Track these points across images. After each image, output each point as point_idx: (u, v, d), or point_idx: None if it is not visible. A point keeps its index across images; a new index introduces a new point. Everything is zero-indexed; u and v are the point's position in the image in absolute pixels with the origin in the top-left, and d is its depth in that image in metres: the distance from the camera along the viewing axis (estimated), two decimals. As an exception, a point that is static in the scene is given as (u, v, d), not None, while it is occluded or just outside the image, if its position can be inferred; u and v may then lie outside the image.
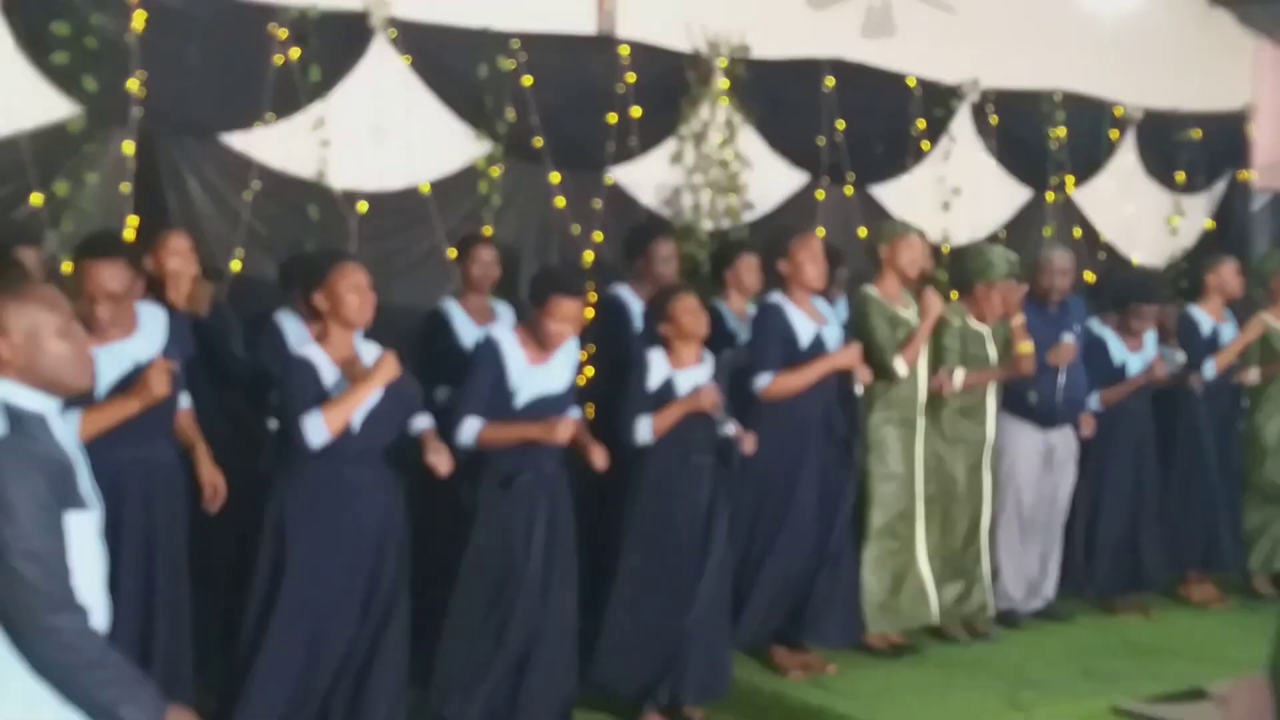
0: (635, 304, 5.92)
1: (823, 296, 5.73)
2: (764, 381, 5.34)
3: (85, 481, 2.60)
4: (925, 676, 5.58)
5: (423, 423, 4.54)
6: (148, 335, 4.18)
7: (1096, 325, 6.88)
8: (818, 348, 5.45)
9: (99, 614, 2.61)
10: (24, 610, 2.39)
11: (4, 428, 2.46)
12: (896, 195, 8.22)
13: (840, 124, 7.90)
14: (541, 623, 4.61)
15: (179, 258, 5.08)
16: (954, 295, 7.69)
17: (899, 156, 8.25)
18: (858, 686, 5.37)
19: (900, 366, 5.67)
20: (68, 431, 2.66)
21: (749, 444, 5.04)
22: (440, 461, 4.33)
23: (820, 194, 7.91)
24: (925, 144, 8.33)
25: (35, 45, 5.60)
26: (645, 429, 4.93)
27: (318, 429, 4.11)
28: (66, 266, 5.49)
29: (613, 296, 6.08)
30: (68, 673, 2.44)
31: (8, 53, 5.56)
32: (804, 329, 5.45)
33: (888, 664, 5.71)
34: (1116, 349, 6.73)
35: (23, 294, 2.61)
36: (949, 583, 6.04)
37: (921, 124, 8.28)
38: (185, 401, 4.54)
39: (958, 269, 8.20)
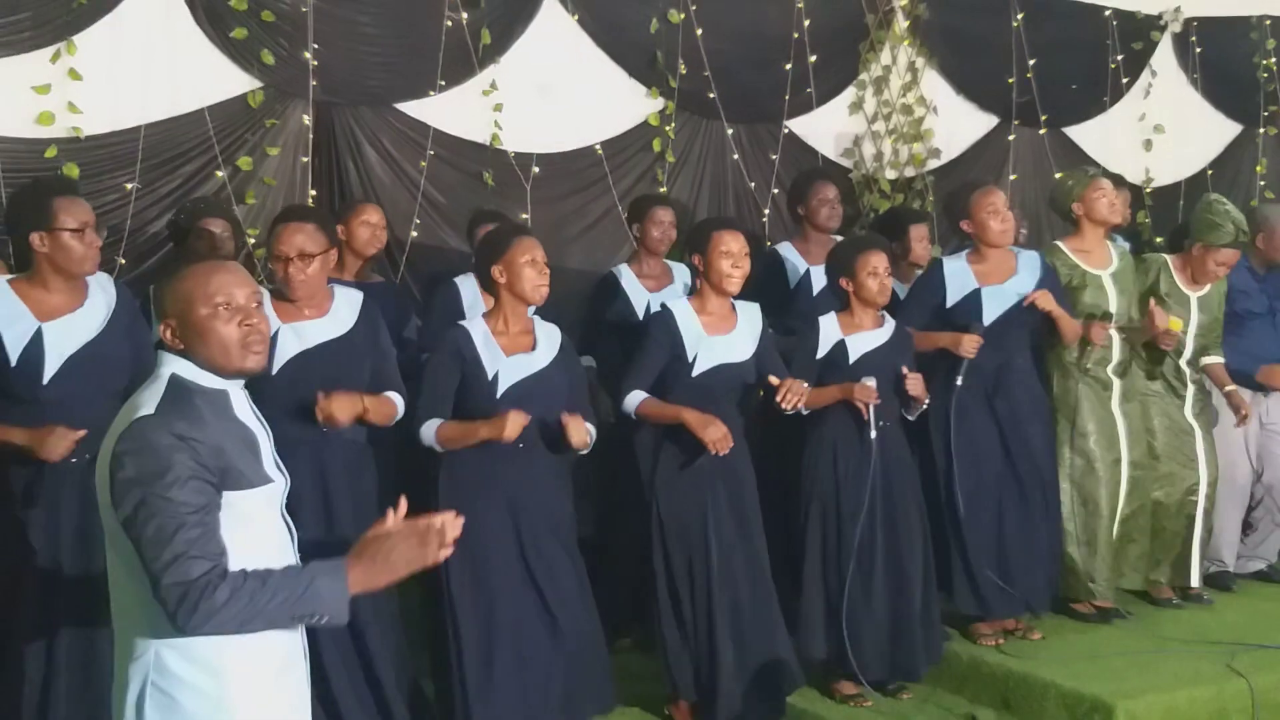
0: (796, 261, 5.72)
1: None
2: None
3: (263, 458, 2.58)
4: (1135, 642, 5.27)
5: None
6: (338, 316, 4.17)
7: None
8: (970, 305, 5.16)
9: None
10: (158, 592, 2.35)
11: (153, 405, 2.45)
12: (1094, 135, 7.84)
13: (1031, 62, 7.54)
14: (740, 599, 4.52)
15: (368, 228, 5.14)
16: (1158, 240, 7.32)
17: (1096, 94, 7.86)
18: (1062, 652, 5.11)
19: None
20: (251, 408, 2.64)
21: (916, 390, 4.81)
22: (575, 431, 4.14)
23: (1011, 137, 7.57)
24: (1124, 79, 7.88)
25: (215, 21, 5.73)
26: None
27: (429, 439, 4.14)
28: (253, 232, 5.62)
29: (772, 253, 5.91)
30: (222, 629, 2.38)
31: (188, 29, 5.69)
32: (958, 286, 5.17)
33: (1094, 629, 5.42)
34: None
35: (182, 275, 2.59)
36: (1158, 547, 5.72)
37: (1120, 58, 7.84)
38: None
39: (1162, 213, 7.83)
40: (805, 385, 4.54)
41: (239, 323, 2.57)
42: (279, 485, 2.61)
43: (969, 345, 5.05)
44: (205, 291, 2.55)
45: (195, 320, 2.54)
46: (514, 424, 4.03)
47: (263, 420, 2.67)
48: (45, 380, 3.73)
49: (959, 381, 5.09)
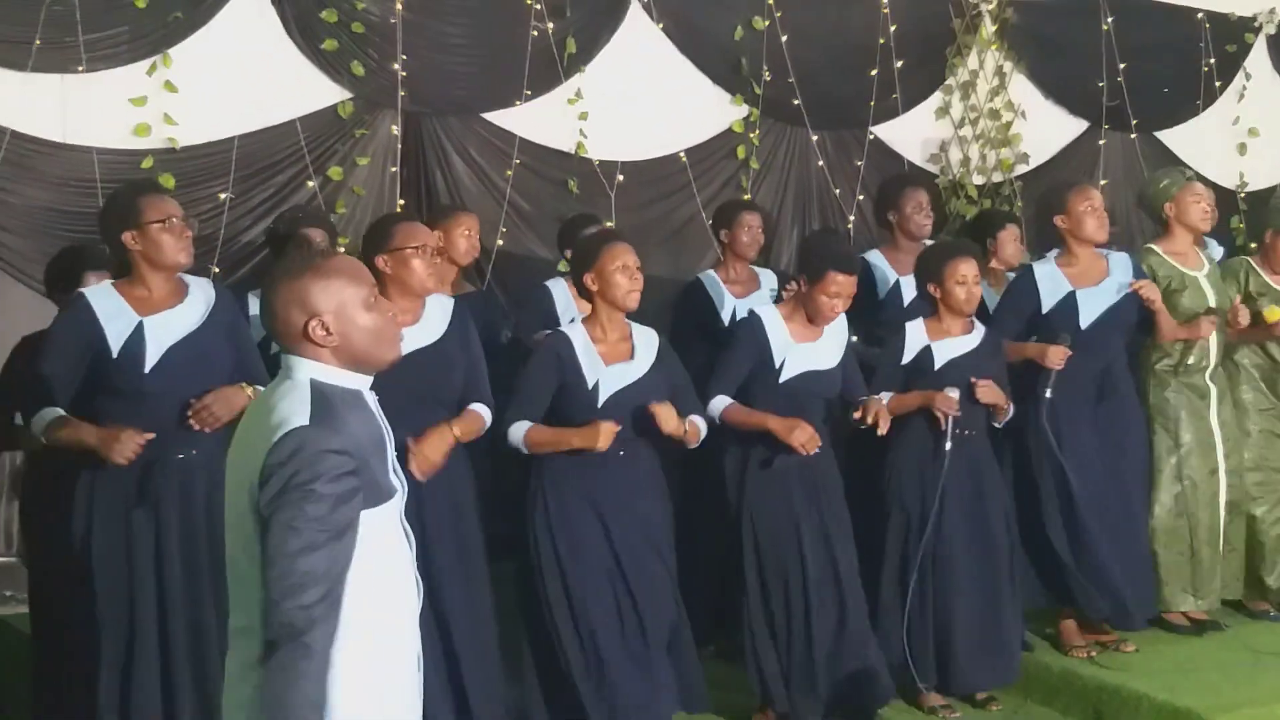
0: (885, 270, 5.66)
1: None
2: None
3: (389, 464, 2.54)
4: (1231, 654, 5.17)
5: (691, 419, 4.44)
6: (430, 323, 4.20)
7: None
8: (1067, 309, 5.08)
9: (408, 598, 2.58)
10: (273, 618, 2.33)
11: (306, 415, 2.38)
12: (1186, 139, 7.72)
13: (1122, 65, 7.44)
14: (834, 604, 4.50)
15: (467, 238, 5.14)
16: (1253, 245, 7.17)
17: (1188, 98, 7.75)
18: (1156, 664, 5.02)
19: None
20: (378, 408, 2.60)
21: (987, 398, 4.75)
22: (661, 412, 4.15)
23: (1102, 141, 7.48)
24: (1217, 82, 7.75)
25: (306, 33, 5.82)
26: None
27: (517, 440, 4.15)
28: (343, 241, 5.70)
29: (860, 261, 5.81)
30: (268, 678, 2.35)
31: (279, 41, 5.79)
32: (1052, 290, 5.09)
33: (1189, 641, 5.33)
34: None
35: (326, 269, 2.51)
36: (1255, 558, 5.61)
37: (1212, 61, 7.72)
38: None
39: (1255, 216, 7.68)
40: (884, 404, 4.54)
41: (384, 312, 2.57)
42: (401, 493, 2.58)
43: (1055, 357, 4.95)
44: (358, 283, 2.52)
45: (355, 313, 2.50)
46: (606, 435, 4.07)
47: (385, 421, 2.61)
48: (146, 370, 3.78)
49: (1047, 394, 4.99)
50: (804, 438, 4.36)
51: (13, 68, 5.28)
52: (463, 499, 4.23)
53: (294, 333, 2.49)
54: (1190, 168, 6.64)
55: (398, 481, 2.57)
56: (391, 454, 2.57)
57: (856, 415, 4.50)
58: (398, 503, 2.56)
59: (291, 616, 2.30)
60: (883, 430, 4.50)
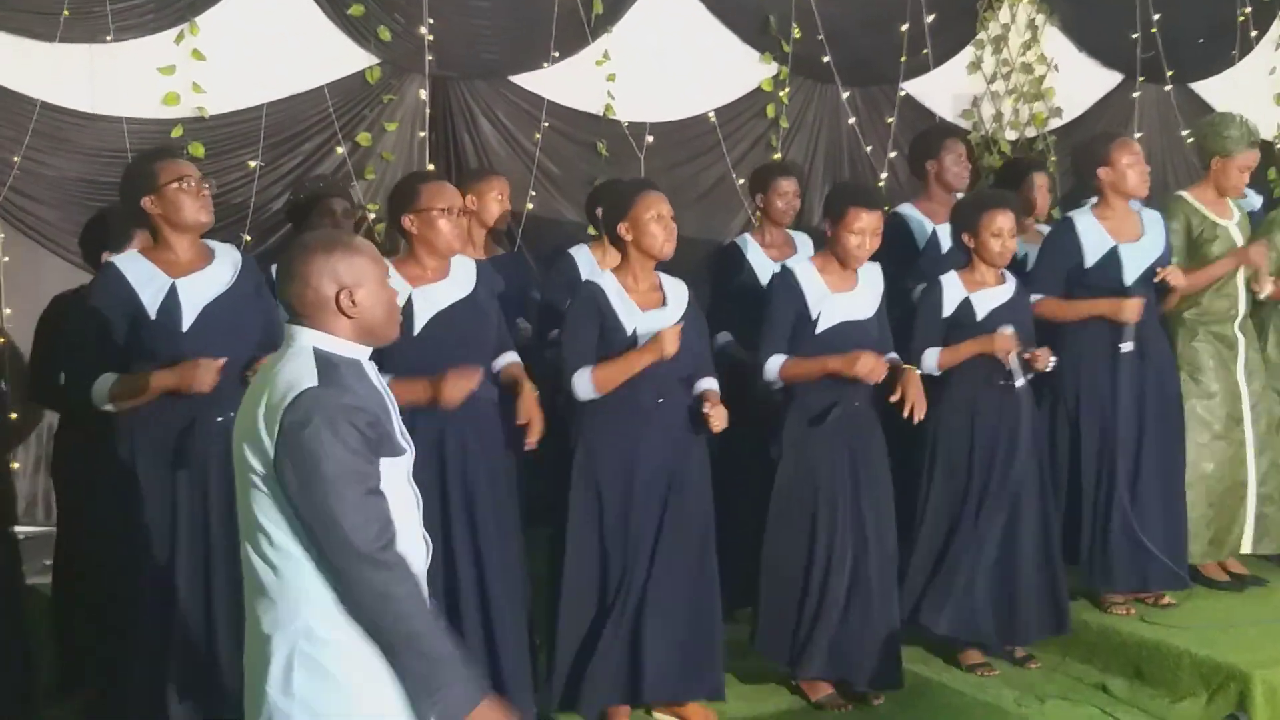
0: (920, 220, 5.60)
1: None
2: (1032, 301, 4.99)
3: (397, 426, 2.64)
4: (1270, 610, 5.14)
5: (706, 384, 4.43)
6: (458, 279, 4.21)
7: None
8: (1110, 264, 5.02)
9: (417, 555, 2.66)
10: (338, 558, 2.48)
11: (314, 378, 2.50)
12: (1222, 90, 7.62)
13: (1156, 16, 7.35)
14: (859, 561, 4.49)
15: (499, 203, 5.12)
16: (1290, 197, 7.10)
17: (1224, 48, 7.64)
18: (1196, 620, 4.99)
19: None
20: (379, 377, 2.71)
21: (1041, 362, 4.73)
22: (716, 416, 4.20)
23: (1136, 94, 7.39)
24: (1253, 32, 7.64)
25: (333, -1, 5.80)
26: (931, 362, 4.69)
27: (585, 387, 4.13)
28: (373, 207, 5.71)
29: (893, 215, 5.75)
30: (379, 620, 2.51)
31: (307, 7, 5.78)
32: (1095, 245, 5.02)
33: (1228, 596, 5.30)
34: None
35: (356, 246, 2.65)
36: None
37: (1248, 9, 7.62)
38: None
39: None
40: (936, 359, 4.54)
41: (393, 292, 2.72)
42: (410, 454, 2.67)
43: (1132, 310, 4.89)
44: (379, 262, 2.68)
45: (378, 289, 2.63)
46: (670, 339, 4.07)
47: (386, 388, 2.72)
48: (185, 328, 3.81)
49: (1127, 347, 4.96)
50: (869, 366, 4.34)
51: (41, 39, 5.29)
52: (502, 460, 4.25)
53: (321, 301, 2.60)
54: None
55: (405, 444, 2.67)
56: (397, 417, 2.67)
57: (893, 399, 4.47)
58: (406, 461, 2.66)
59: (371, 552, 2.44)
60: (919, 415, 4.47)
